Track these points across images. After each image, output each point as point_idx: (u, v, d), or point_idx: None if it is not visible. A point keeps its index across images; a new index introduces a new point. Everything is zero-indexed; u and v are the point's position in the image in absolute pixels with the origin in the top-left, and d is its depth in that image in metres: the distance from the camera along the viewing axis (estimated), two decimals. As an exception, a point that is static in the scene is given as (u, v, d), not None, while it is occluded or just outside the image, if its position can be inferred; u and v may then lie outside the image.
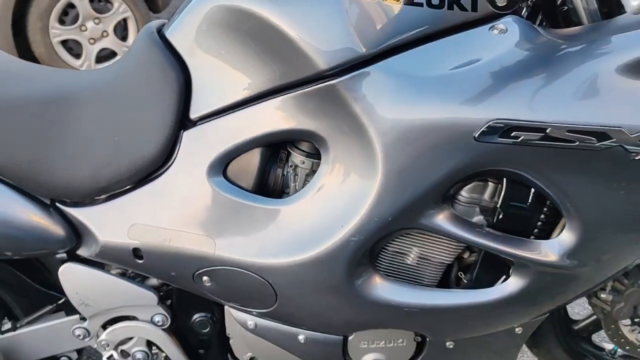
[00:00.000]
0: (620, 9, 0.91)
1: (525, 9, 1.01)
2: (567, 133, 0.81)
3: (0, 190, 1.01)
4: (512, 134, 0.82)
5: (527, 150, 0.83)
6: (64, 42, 3.41)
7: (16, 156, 0.99)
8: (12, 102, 1.00)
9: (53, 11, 3.30)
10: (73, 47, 3.45)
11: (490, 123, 0.82)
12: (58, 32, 3.36)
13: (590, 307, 1.32)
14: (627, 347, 1.34)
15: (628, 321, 1.29)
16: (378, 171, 0.87)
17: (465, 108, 0.83)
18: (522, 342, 1.13)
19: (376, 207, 0.89)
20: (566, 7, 0.95)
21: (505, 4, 0.72)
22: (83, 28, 3.41)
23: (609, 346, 1.41)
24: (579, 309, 1.76)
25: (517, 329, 1.08)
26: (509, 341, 1.11)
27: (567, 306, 1.80)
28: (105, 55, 3.49)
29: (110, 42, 3.48)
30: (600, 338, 1.38)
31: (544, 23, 1.01)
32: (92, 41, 3.45)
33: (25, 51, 3.37)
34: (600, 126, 0.81)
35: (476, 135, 0.83)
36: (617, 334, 1.31)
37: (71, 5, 3.34)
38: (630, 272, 1.20)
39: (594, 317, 1.35)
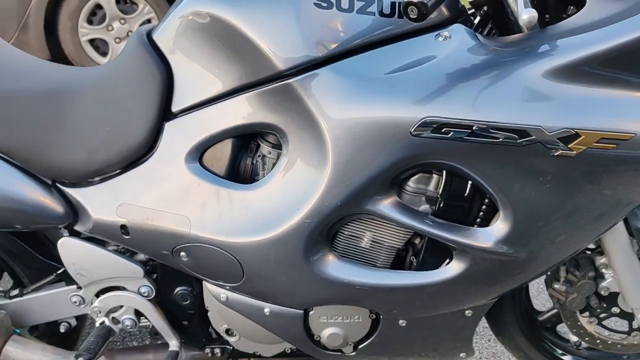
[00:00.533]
0: (559, 18, 1.00)
1: (477, 17, 1.11)
2: (491, 130, 0.91)
3: (9, 170, 1.15)
4: (442, 130, 0.92)
5: (458, 145, 0.93)
6: (91, 41, 3.62)
7: (22, 141, 1.13)
8: (18, 93, 1.14)
9: (82, 12, 3.51)
10: (100, 46, 3.66)
11: (423, 120, 0.92)
12: (86, 32, 3.57)
13: (549, 297, 1.40)
14: (587, 339, 1.41)
15: (587, 313, 1.36)
16: (329, 162, 0.98)
17: (403, 106, 0.94)
18: (474, 324, 1.22)
19: (327, 193, 1.00)
20: (513, 18, 1.05)
21: (415, 17, 0.82)
22: (110, 28, 3.61)
23: (574, 338, 1.48)
24: (544, 301, 1.83)
25: (467, 312, 1.17)
26: (460, 323, 1.20)
27: (533, 297, 1.88)
28: (130, 54, 3.68)
29: (135, 41, 3.66)
30: (566, 330, 1.45)
31: (494, 31, 1.10)
32: (117, 40, 3.65)
33: (56, 49, 3.59)
34: (522, 125, 0.90)
35: (412, 131, 0.93)
36: (576, 325, 1.39)
37: (99, 7, 3.55)
38: (581, 264, 1.28)
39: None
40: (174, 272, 1.21)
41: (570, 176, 0.94)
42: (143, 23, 3.66)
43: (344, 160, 0.98)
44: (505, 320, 1.43)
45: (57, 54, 3.57)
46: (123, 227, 1.14)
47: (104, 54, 3.67)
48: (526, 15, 0.85)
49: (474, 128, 0.91)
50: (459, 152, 0.94)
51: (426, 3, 0.80)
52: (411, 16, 0.82)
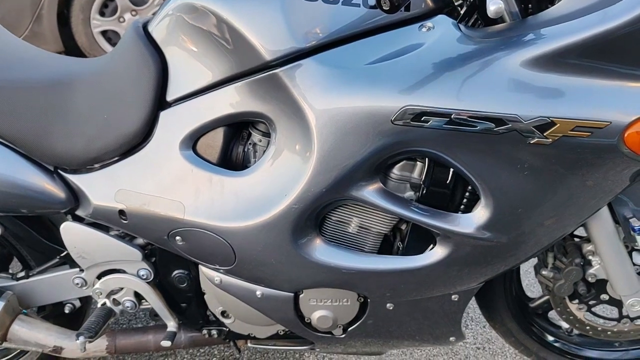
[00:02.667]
0: (540, 9, 1.02)
1: (464, 8, 1.13)
2: (469, 119, 0.93)
3: (13, 157, 1.20)
4: (422, 119, 0.95)
5: (437, 133, 0.96)
6: (103, 33, 3.68)
7: (24, 129, 1.18)
8: (21, 84, 1.19)
9: (94, 4, 3.56)
10: (112, 37, 3.71)
11: (403, 108, 0.95)
12: (98, 23, 3.62)
13: (539, 284, 1.42)
14: (577, 325, 1.43)
15: (576, 300, 1.38)
16: (314, 149, 1.02)
17: (385, 95, 0.97)
18: (462, 309, 1.24)
19: (313, 179, 1.03)
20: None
21: (388, 8, 0.85)
22: (121, 19, 3.66)
23: (565, 324, 1.50)
24: (537, 287, 1.85)
25: (453, 296, 1.20)
26: (448, 307, 1.23)
27: (530, 285, 1.90)
28: (141, 45, 3.74)
29: (146, 33, 3.72)
30: (558, 317, 1.47)
31: (480, 22, 1.12)
32: (129, 32, 3.70)
33: (69, 40, 3.65)
34: (498, 113, 0.93)
35: (392, 119, 0.96)
36: (565, 312, 1.41)
37: (111, -2, 3.61)
38: (568, 251, 1.30)
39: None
40: (171, 256, 1.26)
41: (548, 164, 0.97)
42: (154, 15, 3.71)
43: (328, 147, 1.01)
44: (497, 306, 1.45)
45: (70, 46, 3.64)
46: (121, 212, 1.18)
47: (115, 45, 3.72)
48: (493, 6, 0.87)
49: (452, 116, 0.94)
50: (439, 140, 0.97)
51: (398, -5, 0.83)
52: (384, 8, 0.84)
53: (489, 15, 0.89)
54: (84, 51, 3.67)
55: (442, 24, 1.01)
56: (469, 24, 1.12)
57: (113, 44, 3.72)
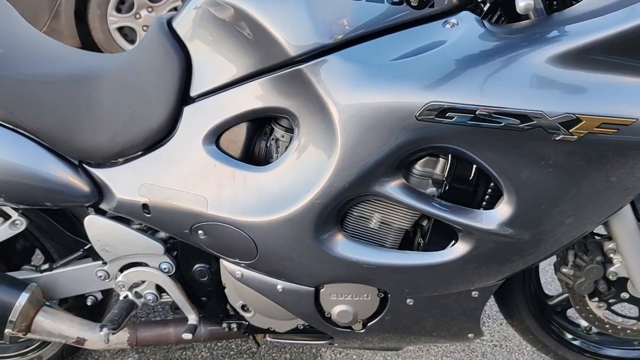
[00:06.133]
0: (565, 6, 1.02)
1: (487, 4, 1.13)
2: (494, 115, 0.93)
3: (39, 151, 1.22)
4: (446, 115, 0.95)
5: (462, 129, 0.96)
6: (120, 29, 3.70)
7: (51, 123, 1.20)
8: (47, 78, 1.21)
9: (111, 1, 3.59)
10: (128, 34, 3.74)
11: (428, 104, 0.95)
12: (115, 20, 3.65)
13: (559, 282, 1.42)
14: (597, 323, 1.43)
15: (596, 297, 1.38)
16: (337, 145, 1.02)
17: (409, 91, 0.97)
18: (481, 305, 1.25)
19: (336, 175, 1.04)
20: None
21: (416, 4, 0.85)
22: (137, 16, 3.69)
23: (584, 323, 1.50)
24: (558, 287, 1.84)
25: (473, 293, 1.21)
26: (468, 304, 1.23)
27: (547, 283, 1.90)
28: (157, 41, 3.77)
29: (162, 29, 3.75)
30: (577, 315, 1.47)
31: (503, 19, 1.12)
32: (145, 28, 3.72)
33: (86, 37, 3.69)
34: (523, 109, 0.93)
35: (417, 115, 0.96)
36: (584, 309, 1.41)
37: (127, -5, 3.64)
38: (589, 248, 1.29)
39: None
40: (193, 250, 1.27)
41: (572, 160, 0.97)
42: (170, 11, 3.73)
43: (352, 143, 1.02)
44: (516, 304, 1.45)
45: (87, 42, 3.67)
46: (144, 206, 1.20)
47: (132, 41, 3.75)
48: (523, 2, 0.87)
49: (477, 113, 0.94)
50: (463, 137, 0.97)
51: (427, -9, 0.83)
52: (412, 4, 0.85)
53: (518, 11, 0.89)
54: (100, 47, 3.70)
55: (466, 20, 1.01)
56: (492, 20, 1.12)
57: (129, 41, 3.74)
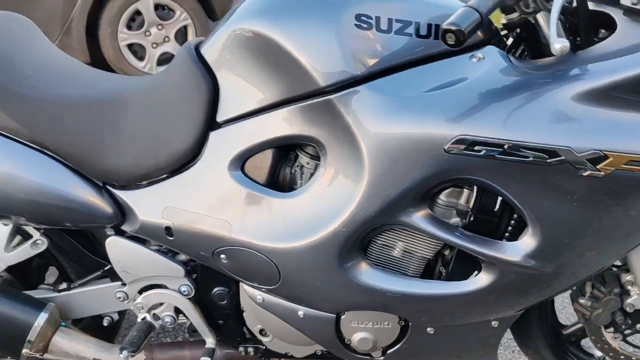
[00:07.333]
0: (589, 43, 1.04)
1: (510, 39, 1.16)
2: (522, 149, 0.95)
3: (63, 171, 1.23)
4: (475, 148, 0.97)
5: (489, 162, 0.98)
6: (129, 46, 3.75)
7: (76, 144, 1.21)
8: (75, 100, 1.22)
9: (122, 18, 3.64)
10: (137, 50, 3.79)
11: (457, 137, 0.97)
12: (125, 37, 3.69)
13: (575, 312, 1.42)
14: (611, 354, 1.43)
15: (611, 328, 1.39)
16: (365, 174, 1.04)
17: (438, 124, 0.99)
18: (500, 335, 1.25)
19: (363, 204, 1.05)
20: (545, 41, 1.09)
21: (453, 43, 0.87)
22: (147, 33, 3.73)
23: (598, 353, 1.50)
24: (569, 315, 1.85)
25: (493, 323, 1.21)
26: (487, 333, 1.24)
27: (557, 311, 1.90)
28: (165, 59, 3.81)
29: (171, 46, 3.79)
30: (591, 344, 1.47)
31: (526, 53, 1.15)
32: (154, 45, 3.77)
33: (96, 52, 3.72)
34: (551, 145, 0.94)
35: (445, 148, 0.98)
36: (600, 340, 1.41)
37: (138, 13, 3.68)
38: (607, 280, 1.30)
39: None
40: (213, 273, 1.27)
41: (598, 196, 0.98)
42: (179, 29, 3.77)
43: (380, 173, 1.03)
44: (531, 333, 1.46)
45: (97, 57, 3.71)
46: (168, 228, 1.21)
47: (141, 58, 3.79)
48: (559, 44, 0.89)
49: (505, 147, 0.96)
50: (490, 169, 0.99)
51: (463, 30, 0.85)
52: (449, 42, 0.86)
53: (554, 53, 0.92)
54: (110, 63, 3.74)
55: (492, 54, 1.04)
56: (516, 55, 1.14)
57: (139, 57, 3.78)
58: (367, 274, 1.13)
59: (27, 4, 3.30)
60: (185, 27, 3.78)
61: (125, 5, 3.61)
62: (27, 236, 1.32)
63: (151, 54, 3.77)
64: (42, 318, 1.30)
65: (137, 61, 3.78)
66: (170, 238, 1.22)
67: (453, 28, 0.85)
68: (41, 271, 1.53)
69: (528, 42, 1.13)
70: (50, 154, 1.23)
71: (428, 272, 1.19)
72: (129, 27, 3.70)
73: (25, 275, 1.48)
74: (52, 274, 1.51)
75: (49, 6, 3.46)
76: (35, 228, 1.31)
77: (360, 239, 1.10)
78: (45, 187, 1.22)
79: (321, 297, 1.18)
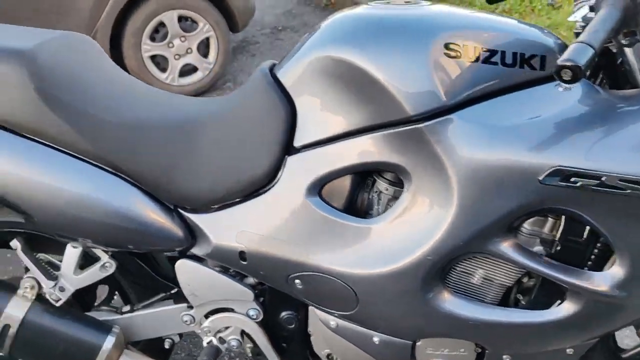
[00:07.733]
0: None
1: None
2: (619, 182, 0.95)
3: (134, 193, 1.22)
4: (571, 180, 0.96)
5: (584, 194, 0.97)
6: (152, 57, 3.73)
7: (150, 167, 1.21)
8: (148, 122, 1.22)
9: (146, 29, 3.63)
10: (160, 62, 3.77)
11: (553, 169, 0.97)
12: (148, 48, 3.68)
13: (638, 337, 1.42)
14: (673, 378, 1.43)
15: (674, 354, 1.38)
16: (454, 203, 1.03)
17: (532, 154, 0.98)
18: (572, 362, 1.25)
19: (451, 232, 1.05)
20: (624, 69, 1.09)
21: (569, 79, 0.87)
22: (170, 45, 3.72)
23: (657, 376, 1.49)
24: (629, 340, 1.84)
25: (568, 350, 1.20)
26: (560, 360, 1.23)
27: (617, 335, 1.89)
28: (187, 70, 3.80)
29: (193, 58, 3.78)
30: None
31: (604, 81, 1.15)
32: (177, 57, 3.76)
33: (119, 64, 3.67)
34: (650, 177, 0.94)
35: (540, 179, 0.98)
36: (663, 365, 1.41)
37: (162, 24, 3.67)
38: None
39: (642, 347, 1.45)
40: (282, 297, 1.26)
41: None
42: (202, 41, 3.77)
43: (469, 202, 1.03)
44: (593, 357, 1.45)
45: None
46: (241, 253, 1.20)
47: (163, 69, 3.78)
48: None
49: (602, 179, 0.95)
50: (584, 201, 0.99)
51: (581, 67, 0.85)
52: (564, 78, 0.86)
53: None
54: (132, 74, 3.69)
55: (578, 84, 1.03)
56: (595, 84, 1.14)
57: (161, 69, 3.77)
58: (448, 301, 1.13)
59: (54, 17, 3.30)
60: (207, 38, 3.78)
61: (149, 17, 3.61)
62: (95, 259, 1.31)
63: (173, 66, 3.76)
64: (109, 342, 1.29)
65: (160, 72, 3.76)
66: (244, 262, 1.21)
67: (570, 64, 0.85)
68: (94, 292, 1.52)
69: (607, 72, 1.13)
70: (122, 175, 1.22)
71: (504, 299, 1.19)
72: (152, 39, 3.69)
73: (81, 295, 1.47)
74: (102, 293, 1.50)
75: (75, 19, 3.46)
76: (104, 250, 1.30)
77: (443, 266, 1.10)
78: (117, 209, 1.21)
79: (400, 324, 1.17)
